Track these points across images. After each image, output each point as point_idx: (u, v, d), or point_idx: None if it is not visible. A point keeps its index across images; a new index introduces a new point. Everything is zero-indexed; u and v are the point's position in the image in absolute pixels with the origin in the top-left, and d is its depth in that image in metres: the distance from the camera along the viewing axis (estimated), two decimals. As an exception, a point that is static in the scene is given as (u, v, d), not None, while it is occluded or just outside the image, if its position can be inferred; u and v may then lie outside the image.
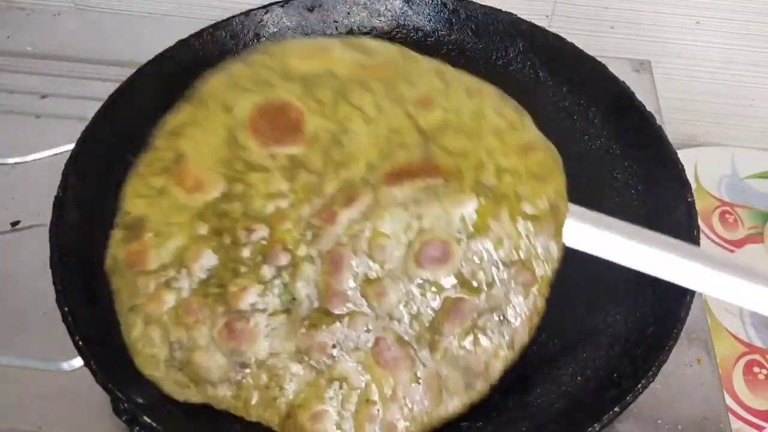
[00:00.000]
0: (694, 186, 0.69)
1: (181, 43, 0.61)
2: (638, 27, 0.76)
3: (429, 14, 0.66)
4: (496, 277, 0.42)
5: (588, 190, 0.55)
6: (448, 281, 0.42)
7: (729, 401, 0.63)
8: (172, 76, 0.60)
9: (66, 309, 0.44)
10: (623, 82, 0.58)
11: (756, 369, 0.66)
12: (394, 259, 0.42)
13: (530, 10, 0.74)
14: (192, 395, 0.41)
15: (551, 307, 0.44)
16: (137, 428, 0.40)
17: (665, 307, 0.46)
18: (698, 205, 0.50)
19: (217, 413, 0.43)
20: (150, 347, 0.42)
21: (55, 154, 0.63)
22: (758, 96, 0.81)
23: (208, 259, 0.42)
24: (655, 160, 0.53)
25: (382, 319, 0.41)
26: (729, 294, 0.42)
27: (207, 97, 0.49)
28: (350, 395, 0.41)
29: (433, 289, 0.42)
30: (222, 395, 0.41)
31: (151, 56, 0.59)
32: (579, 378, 0.44)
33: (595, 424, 0.40)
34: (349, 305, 0.41)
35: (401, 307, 0.42)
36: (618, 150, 0.57)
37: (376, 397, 0.41)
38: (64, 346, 0.45)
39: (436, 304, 0.42)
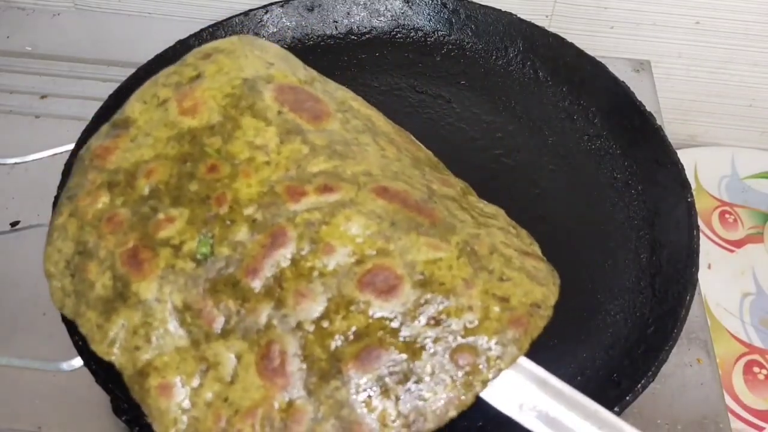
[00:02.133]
0: (694, 186, 0.69)
1: (181, 43, 0.61)
2: (638, 27, 0.76)
3: (429, 14, 0.66)
4: (433, 343, 0.35)
5: (588, 190, 0.55)
6: (381, 317, 0.35)
7: (729, 401, 0.63)
8: (172, 76, 0.60)
9: (66, 309, 0.43)
10: (623, 82, 0.58)
11: (756, 369, 0.66)
12: (336, 266, 0.36)
13: (530, 10, 0.74)
14: (68, 306, 0.39)
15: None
16: (137, 428, 0.40)
17: (665, 307, 0.46)
18: (698, 205, 0.50)
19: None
20: (62, 240, 0.40)
21: (55, 154, 0.63)
22: (758, 96, 0.81)
23: (157, 179, 0.39)
24: (655, 160, 0.53)
25: (287, 323, 0.35)
26: None
27: (262, 46, 0.47)
28: (211, 385, 0.35)
29: (360, 317, 0.35)
30: (89, 317, 0.37)
31: (151, 56, 0.59)
32: (579, 378, 0.44)
33: (595, 424, 0.40)
34: (263, 289, 0.36)
35: (315, 320, 0.35)
36: (618, 150, 0.57)
37: (236, 401, 0.34)
38: (64, 346, 0.45)
39: (353, 334, 0.35)
